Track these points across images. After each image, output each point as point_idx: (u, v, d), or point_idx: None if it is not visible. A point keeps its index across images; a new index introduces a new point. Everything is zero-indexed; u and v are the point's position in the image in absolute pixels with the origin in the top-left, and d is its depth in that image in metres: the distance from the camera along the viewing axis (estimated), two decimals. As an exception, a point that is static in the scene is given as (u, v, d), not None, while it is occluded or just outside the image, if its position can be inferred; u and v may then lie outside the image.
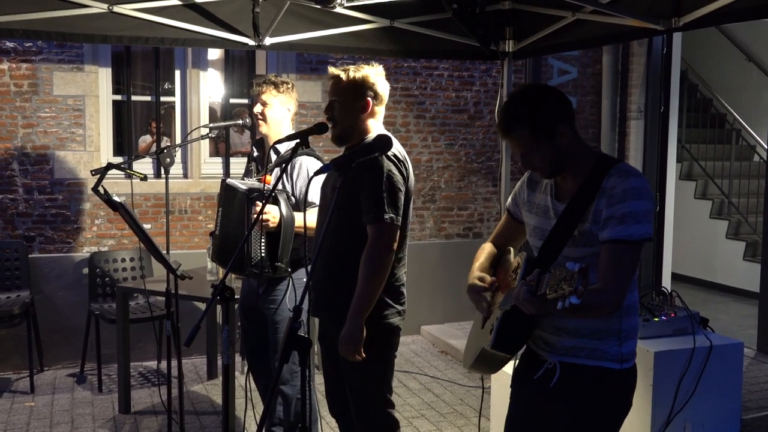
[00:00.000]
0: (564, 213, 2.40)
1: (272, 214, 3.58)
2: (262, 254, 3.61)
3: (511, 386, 2.67)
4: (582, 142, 2.46)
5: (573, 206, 2.38)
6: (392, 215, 2.94)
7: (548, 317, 2.36)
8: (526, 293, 2.16)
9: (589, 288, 2.23)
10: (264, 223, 3.55)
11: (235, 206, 3.71)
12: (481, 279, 2.63)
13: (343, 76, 3.03)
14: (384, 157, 2.94)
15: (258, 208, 3.51)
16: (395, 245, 2.98)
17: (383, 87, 3.09)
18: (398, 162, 2.99)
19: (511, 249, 2.74)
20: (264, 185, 3.67)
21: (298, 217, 3.64)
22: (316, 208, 3.42)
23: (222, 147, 7.33)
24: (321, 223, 3.22)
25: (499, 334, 2.40)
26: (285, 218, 3.58)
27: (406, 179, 3.02)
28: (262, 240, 3.60)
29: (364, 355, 2.95)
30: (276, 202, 3.60)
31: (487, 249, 2.78)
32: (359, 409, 3.13)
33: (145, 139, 7.10)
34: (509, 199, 2.74)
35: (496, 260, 2.74)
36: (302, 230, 3.63)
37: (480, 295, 2.58)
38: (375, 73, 3.06)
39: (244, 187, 3.68)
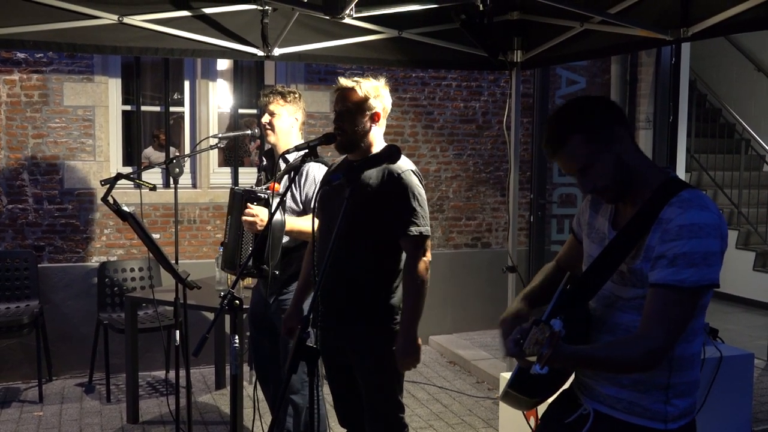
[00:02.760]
0: (611, 243, 2.10)
1: (260, 216, 3.60)
2: (249, 254, 3.64)
3: (540, 418, 2.42)
4: (646, 158, 2.14)
5: (623, 236, 2.07)
6: (426, 227, 3.08)
7: None
8: (512, 347, 1.94)
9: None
10: (250, 224, 3.60)
11: (235, 210, 3.75)
12: (515, 313, 2.30)
13: (354, 87, 3.08)
14: (411, 172, 3.07)
15: (249, 210, 3.59)
16: (430, 254, 3.13)
17: (388, 99, 3.18)
18: (420, 178, 3.13)
19: (569, 273, 2.36)
20: (272, 192, 3.68)
21: (292, 221, 3.67)
22: (309, 215, 3.48)
23: (246, 160, 7.37)
24: (324, 234, 3.21)
25: (518, 374, 2.17)
26: (272, 221, 3.58)
27: None
28: (251, 241, 3.66)
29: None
30: (267, 205, 3.62)
31: (545, 270, 2.49)
32: (374, 413, 3.18)
33: (147, 155, 7.13)
34: (574, 219, 2.43)
35: (556, 282, 2.35)
36: (299, 236, 3.68)
37: (505, 334, 2.21)
38: (381, 86, 3.15)
39: (241, 190, 3.74)
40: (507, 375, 3.96)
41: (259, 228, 3.61)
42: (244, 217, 3.63)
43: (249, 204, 3.63)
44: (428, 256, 3.10)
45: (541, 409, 2.42)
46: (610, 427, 2.12)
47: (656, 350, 1.95)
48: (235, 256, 3.76)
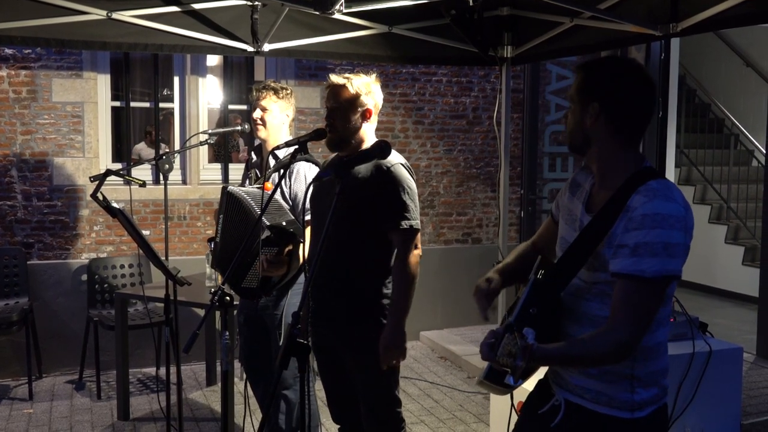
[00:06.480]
0: (586, 229, 2.11)
1: (279, 268, 3.53)
2: (256, 285, 3.60)
3: (520, 410, 2.42)
4: (628, 149, 2.12)
5: (596, 223, 2.08)
6: (416, 221, 3.06)
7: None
8: (487, 352, 1.95)
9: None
10: (268, 272, 3.52)
11: (243, 225, 3.59)
12: (488, 280, 2.36)
13: (345, 84, 3.07)
14: (400, 165, 3.06)
15: (272, 251, 3.48)
16: (420, 248, 3.12)
17: (380, 95, 3.18)
18: (410, 171, 3.12)
19: (540, 256, 2.35)
20: (264, 191, 3.67)
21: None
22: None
23: (235, 155, 7.33)
24: (316, 231, 3.22)
25: (491, 367, 2.12)
26: (290, 271, 3.57)
27: None
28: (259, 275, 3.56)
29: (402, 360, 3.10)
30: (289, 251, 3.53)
31: (519, 249, 2.51)
32: (371, 410, 3.17)
33: (139, 151, 7.10)
34: (554, 201, 2.44)
35: (529, 261, 2.36)
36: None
37: (480, 300, 2.34)
38: (373, 82, 3.14)
39: (265, 220, 3.47)
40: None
41: (275, 275, 3.56)
42: (271, 267, 3.49)
43: (267, 252, 3.48)
44: (419, 250, 3.09)
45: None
46: (580, 417, 2.14)
47: (624, 342, 1.97)
48: (230, 268, 3.64)
